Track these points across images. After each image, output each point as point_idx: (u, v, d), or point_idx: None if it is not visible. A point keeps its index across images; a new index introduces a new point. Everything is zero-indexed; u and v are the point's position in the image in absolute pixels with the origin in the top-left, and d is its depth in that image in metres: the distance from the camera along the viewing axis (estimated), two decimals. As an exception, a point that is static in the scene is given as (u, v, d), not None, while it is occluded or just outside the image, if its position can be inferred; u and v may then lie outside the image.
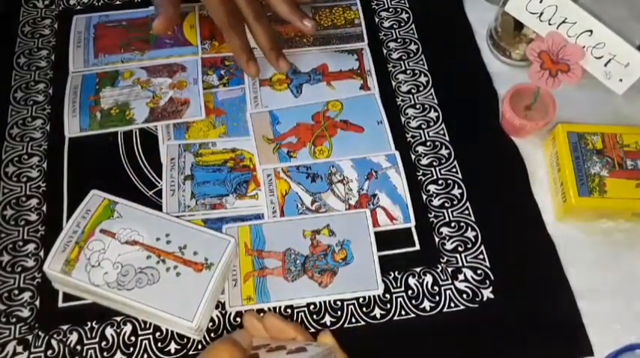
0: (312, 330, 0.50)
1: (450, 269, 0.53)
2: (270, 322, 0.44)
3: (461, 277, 0.52)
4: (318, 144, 0.58)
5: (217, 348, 0.39)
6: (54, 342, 0.49)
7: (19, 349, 0.48)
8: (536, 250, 0.54)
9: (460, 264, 0.53)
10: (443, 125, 0.60)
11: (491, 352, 0.50)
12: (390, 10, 0.68)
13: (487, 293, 0.52)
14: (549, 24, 0.52)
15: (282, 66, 0.60)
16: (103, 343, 0.49)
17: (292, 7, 0.59)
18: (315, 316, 0.50)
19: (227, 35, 0.59)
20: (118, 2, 0.68)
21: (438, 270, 0.53)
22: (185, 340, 0.49)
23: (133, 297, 0.47)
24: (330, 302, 0.51)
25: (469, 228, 0.55)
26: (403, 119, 0.60)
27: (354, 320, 0.50)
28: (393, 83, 0.63)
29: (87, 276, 0.48)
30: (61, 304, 0.50)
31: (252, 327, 0.44)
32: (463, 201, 0.56)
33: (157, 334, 0.50)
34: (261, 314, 0.45)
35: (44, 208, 0.55)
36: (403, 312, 0.51)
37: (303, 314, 0.51)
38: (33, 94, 0.61)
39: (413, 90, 0.62)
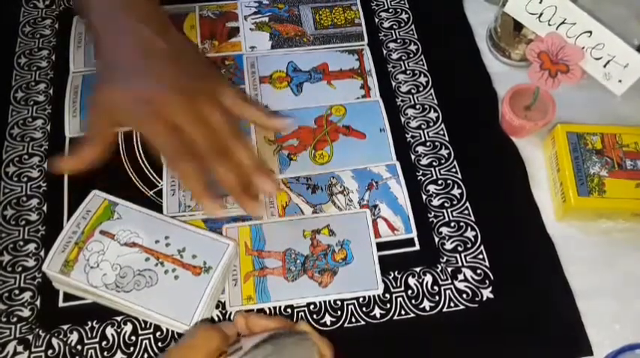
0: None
1: (449, 269, 0.53)
2: (252, 322, 0.44)
3: (460, 277, 0.52)
4: (319, 148, 0.58)
5: (196, 334, 0.40)
6: (54, 342, 0.49)
7: (20, 349, 0.48)
8: (536, 250, 0.54)
9: (460, 264, 0.53)
10: (443, 125, 0.60)
11: (491, 352, 0.50)
12: (390, 10, 0.68)
13: (487, 293, 0.52)
14: (549, 24, 0.52)
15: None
16: (104, 343, 0.49)
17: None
18: (315, 316, 0.50)
19: (174, 171, 0.48)
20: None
21: (438, 270, 0.53)
22: (185, 340, 0.49)
23: (131, 299, 0.47)
24: (330, 301, 0.51)
25: (469, 228, 0.55)
26: (403, 119, 0.60)
27: (354, 320, 0.50)
28: (393, 83, 0.63)
29: (85, 277, 0.48)
30: (61, 304, 0.50)
31: (241, 327, 0.45)
32: (463, 201, 0.56)
33: (158, 334, 0.50)
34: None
35: (44, 208, 0.55)
36: (403, 312, 0.51)
37: (303, 314, 0.51)
38: (33, 94, 0.61)
39: (413, 91, 0.62)
